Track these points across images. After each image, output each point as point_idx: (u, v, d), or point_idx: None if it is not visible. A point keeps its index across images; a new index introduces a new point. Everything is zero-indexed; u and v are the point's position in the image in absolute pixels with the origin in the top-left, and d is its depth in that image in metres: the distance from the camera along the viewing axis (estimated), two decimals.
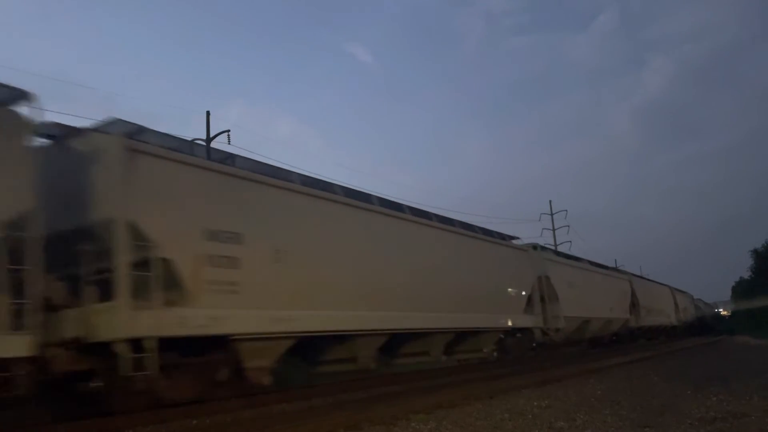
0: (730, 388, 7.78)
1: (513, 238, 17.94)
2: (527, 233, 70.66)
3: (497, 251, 15.92)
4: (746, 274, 70.33)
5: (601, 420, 5.77)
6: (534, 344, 17.03)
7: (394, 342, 11.43)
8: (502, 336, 15.54)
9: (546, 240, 39.54)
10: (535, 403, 6.94)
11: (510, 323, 15.37)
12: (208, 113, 22.90)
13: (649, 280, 35.95)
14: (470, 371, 12.85)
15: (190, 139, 15.98)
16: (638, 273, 39.80)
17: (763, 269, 58.34)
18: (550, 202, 41.84)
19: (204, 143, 21.48)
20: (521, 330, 16.26)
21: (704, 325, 51.90)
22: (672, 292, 38.04)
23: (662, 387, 8.54)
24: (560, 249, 34.74)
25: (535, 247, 19.08)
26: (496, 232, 17.08)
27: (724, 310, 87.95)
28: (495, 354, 15.42)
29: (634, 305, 26.99)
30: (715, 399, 6.85)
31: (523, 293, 16.44)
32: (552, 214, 41.71)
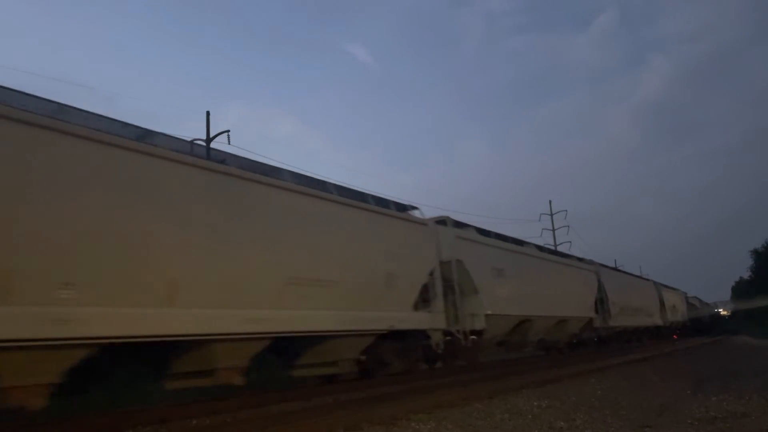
0: (730, 388, 7.79)
1: (411, 208, 13.07)
2: (527, 233, 70.61)
3: (371, 223, 10.84)
4: (746, 274, 70.68)
5: (601, 420, 5.78)
6: (440, 351, 12.15)
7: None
8: (372, 342, 10.39)
9: (546, 240, 39.49)
10: (535, 403, 6.94)
11: (385, 324, 10.35)
12: (208, 113, 22.90)
13: (626, 273, 32.44)
14: (471, 371, 12.84)
15: (189, 139, 15.98)
16: (638, 273, 39.69)
17: (763, 269, 58.46)
18: (550, 202, 41.75)
19: (204, 143, 21.48)
20: (406, 333, 11.21)
21: (700, 326, 48.32)
22: (657, 287, 34.22)
23: (662, 387, 8.54)
24: (560, 249, 34.73)
25: (443, 221, 13.73)
26: (382, 198, 12.34)
27: (724, 310, 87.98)
28: (357, 367, 10.60)
29: (602, 302, 23.24)
30: (715, 399, 6.86)
31: (415, 283, 11.54)
32: (552, 214, 41.67)
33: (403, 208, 12.71)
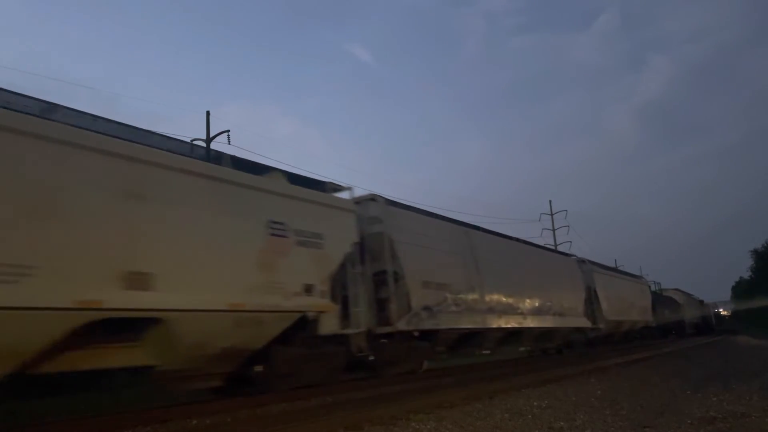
0: (730, 388, 7.79)
1: (337, 188, 10.55)
2: (527, 233, 70.65)
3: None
4: (746, 274, 70.65)
5: (601, 420, 5.78)
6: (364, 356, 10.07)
7: None
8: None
9: (546, 240, 39.39)
10: (535, 403, 6.94)
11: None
12: (208, 113, 22.91)
13: (618, 271, 28.82)
14: (470, 371, 12.84)
15: (189, 139, 15.99)
16: (638, 273, 39.37)
17: (763, 269, 58.41)
18: (550, 202, 41.68)
19: (204, 143, 21.48)
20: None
21: (680, 328, 40.20)
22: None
23: (662, 387, 8.54)
24: (560, 249, 34.66)
25: (371, 199, 11.35)
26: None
27: (724, 310, 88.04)
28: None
29: (590, 302, 20.13)
30: (715, 399, 6.86)
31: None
32: (552, 214, 41.65)
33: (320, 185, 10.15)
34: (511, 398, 7.51)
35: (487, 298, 13.78)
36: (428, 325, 11.38)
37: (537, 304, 16.36)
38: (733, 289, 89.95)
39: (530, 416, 6.10)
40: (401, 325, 10.64)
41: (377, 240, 10.80)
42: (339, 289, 9.62)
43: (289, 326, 8.44)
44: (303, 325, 8.70)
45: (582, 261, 22.35)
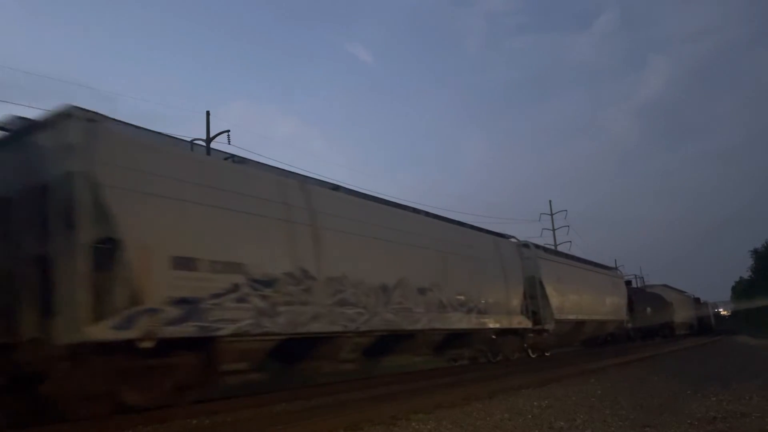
0: (730, 388, 7.79)
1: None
2: (527, 233, 70.54)
3: None
4: (746, 274, 70.62)
5: (601, 420, 5.77)
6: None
7: None
8: None
9: (546, 240, 39.24)
10: (535, 403, 6.94)
11: None
12: (208, 113, 22.94)
13: (578, 259, 23.64)
14: (470, 371, 12.85)
15: (189, 139, 15.99)
16: (638, 273, 39.08)
17: (763, 269, 58.39)
18: (550, 202, 41.68)
19: (204, 143, 21.49)
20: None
21: (668, 329, 35.02)
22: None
23: (662, 387, 8.53)
24: (560, 249, 34.62)
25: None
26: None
27: (724, 309, 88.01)
28: None
29: (533, 298, 16.57)
30: (715, 399, 6.86)
31: None
32: (552, 214, 41.68)
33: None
34: (511, 398, 7.51)
35: (335, 286, 9.36)
36: (185, 330, 6.95)
37: (438, 298, 12.05)
38: (733, 289, 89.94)
39: (530, 416, 6.10)
40: (100, 332, 6.14)
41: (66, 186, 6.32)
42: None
43: None
44: None
45: (525, 245, 17.77)
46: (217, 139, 22.62)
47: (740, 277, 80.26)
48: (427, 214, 13.52)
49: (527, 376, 10.34)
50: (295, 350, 8.99)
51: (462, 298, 12.91)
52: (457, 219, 14.99)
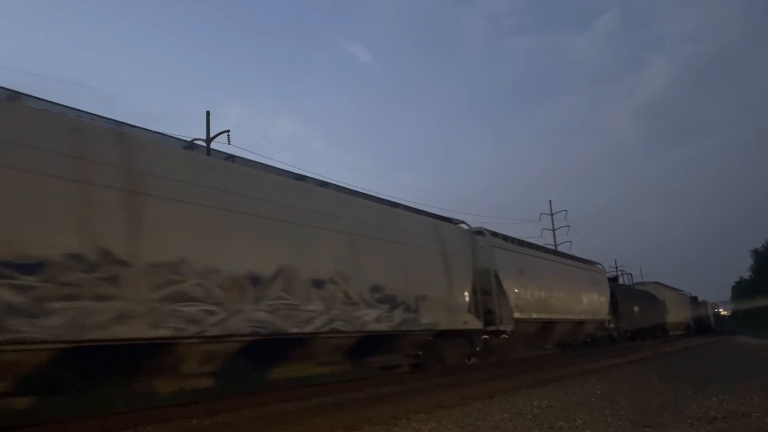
0: (730, 388, 7.78)
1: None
2: (527, 233, 70.55)
3: None
4: (746, 274, 70.66)
5: (601, 420, 5.78)
6: None
7: None
8: None
9: (546, 240, 39.16)
10: (535, 403, 6.94)
11: None
12: (208, 113, 22.91)
13: (544, 249, 21.02)
14: (470, 371, 12.83)
15: (189, 139, 15.97)
16: (639, 273, 38.85)
17: (763, 269, 58.42)
18: (550, 202, 41.59)
19: (204, 143, 21.48)
20: None
21: (661, 330, 32.28)
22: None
23: (662, 387, 8.53)
24: (561, 249, 34.61)
25: None
26: None
27: (724, 309, 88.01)
28: None
29: (487, 293, 14.09)
30: (715, 399, 6.86)
31: None
32: (552, 215, 41.63)
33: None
34: (511, 398, 7.51)
35: (165, 276, 6.80)
36: None
37: (345, 291, 9.50)
38: (733, 289, 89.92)
39: (530, 416, 6.10)
40: None
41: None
42: None
43: None
44: None
45: (478, 232, 14.99)
46: (217, 139, 22.64)
47: (740, 277, 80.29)
48: (339, 189, 11.00)
49: (527, 376, 10.33)
50: (93, 365, 6.55)
51: (381, 293, 10.29)
52: (457, 219, 14.56)
